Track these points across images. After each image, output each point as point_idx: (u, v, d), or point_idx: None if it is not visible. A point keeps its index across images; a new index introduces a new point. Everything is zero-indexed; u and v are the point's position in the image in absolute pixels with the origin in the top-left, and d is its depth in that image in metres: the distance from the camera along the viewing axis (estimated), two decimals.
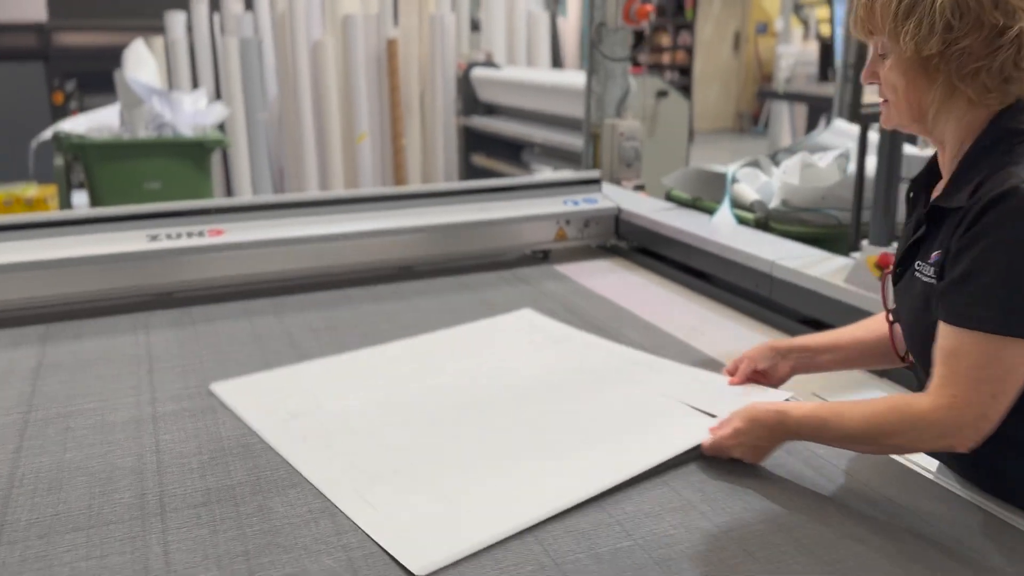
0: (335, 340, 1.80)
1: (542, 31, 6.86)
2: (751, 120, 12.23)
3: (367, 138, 6.26)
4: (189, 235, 2.05)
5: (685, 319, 1.93)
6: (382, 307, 2.01)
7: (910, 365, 1.23)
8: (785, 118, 10.05)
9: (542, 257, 2.41)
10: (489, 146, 5.96)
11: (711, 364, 1.65)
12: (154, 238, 2.03)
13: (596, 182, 2.48)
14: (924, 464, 1.26)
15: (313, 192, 5.57)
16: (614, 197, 2.50)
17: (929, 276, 1.09)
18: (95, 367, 1.67)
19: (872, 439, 1.09)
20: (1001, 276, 0.98)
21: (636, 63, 10.35)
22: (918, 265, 1.12)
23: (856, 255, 1.88)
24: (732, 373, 1.46)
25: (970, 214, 1.01)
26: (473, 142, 6.10)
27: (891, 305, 1.22)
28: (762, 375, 1.41)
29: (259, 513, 1.16)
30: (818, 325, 1.77)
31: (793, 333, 1.81)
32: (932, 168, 1.19)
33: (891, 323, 1.24)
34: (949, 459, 1.22)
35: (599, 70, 3.12)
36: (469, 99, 6.07)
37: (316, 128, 6.13)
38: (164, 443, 1.36)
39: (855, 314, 1.64)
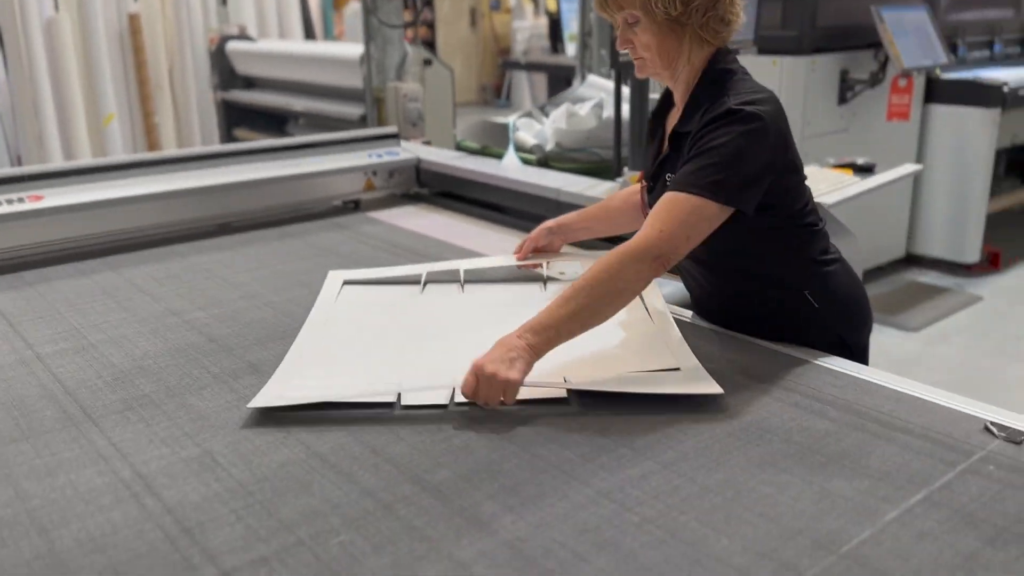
0: (184, 286, 1.93)
1: (292, 2, 6.89)
2: (494, 92, 12.89)
3: (115, 118, 5.98)
4: (9, 202, 2.06)
5: (490, 241, 2.27)
6: (213, 256, 2.16)
7: None
8: (525, 88, 10.80)
9: (354, 207, 2.65)
10: (251, 119, 5.95)
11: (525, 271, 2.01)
12: None
13: (395, 136, 2.76)
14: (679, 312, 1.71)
15: (126, 156, 5.26)
16: (412, 150, 2.79)
17: None
18: None
19: (599, 292, 1.32)
20: (713, 163, 1.37)
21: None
22: (668, 177, 1.50)
23: (621, 179, 2.34)
24: (518, 252, 1.87)
25: (698, 133, 1.42)
26: (234, 116, 6.05)
27: (647, 208, 1.62)
28: (542, 250, 1.87)
29: (183, 409, 1.34)
30: None
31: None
32: (664, 102, 1.60)
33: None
34: (703, 310, 1.67)
35: (376, 36, 3.37)
36: (226, 73, 6.01)
37: (57, 113, 5.77)
38: (61, 374, 1.47)
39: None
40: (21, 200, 2.08)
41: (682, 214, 1.35)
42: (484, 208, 2.54)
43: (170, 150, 5.59)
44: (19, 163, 5.91)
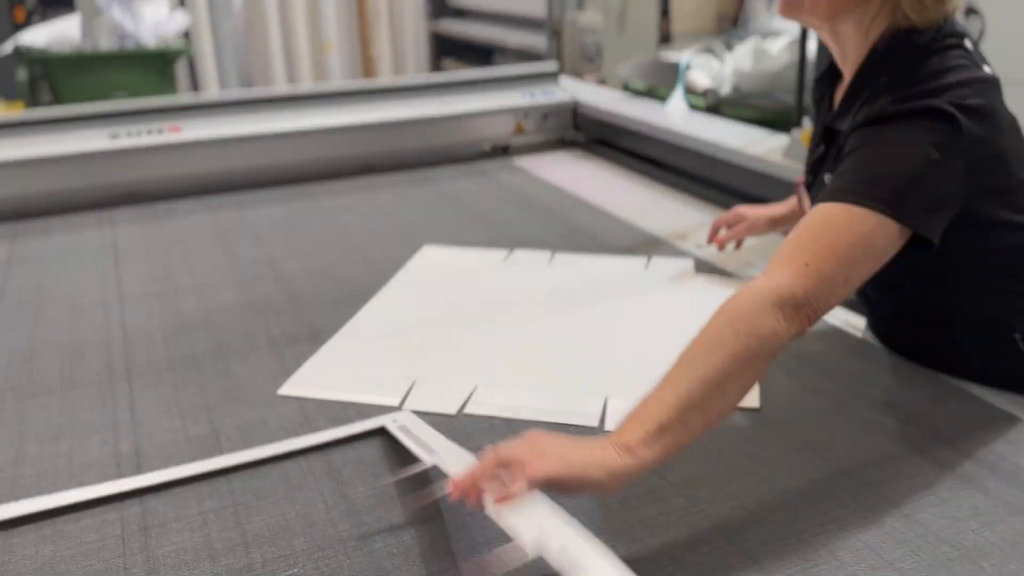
0: (295, 231, 1.86)
1: None
2: (731, 22, 12.04)
3: (334, 47, 6.17)
4: (149, 132, 2.09)
5: (632, 202, 1.99)
6: (342, 200, 2.07)
7: None
8: (763, 18, 9.93)
9: (502, 152, 2.46)
10: (460, 51, 5.90)
11: (651, 240, 1.73)
12: (115, 136, 2.06)
13: (554, 75, 2.51)
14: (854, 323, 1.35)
15: (266, 89, 5.51)
16: (572, 90, 2.53)
17: None
18: (63, 259, 1.74)
19: (721, 360, 0.83)
20: (884, 167, 0.96)
21: None
22: (826, 177, 1.12)
23: (798, 129, 1.95)
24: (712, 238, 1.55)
25: (869, 120, 1.01)
26: (444, 47, 6.04)
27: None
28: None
29: (221, 375, 1.24)
30: (757, 200, 1.85)
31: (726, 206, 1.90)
32: (833, 68, 1.19)
33: None
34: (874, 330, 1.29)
35: None
36: (438, 3, 5.98)
37: (283, 38, 6.04)
38: (130, 320, 1.44)
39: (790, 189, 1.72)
40: (160, 131, 2.09)
41: (838, 239, 0.93)
42: (640, 160, 2.25)
43: (313, 84, 5.70)
44: (248, 86, 6.31)
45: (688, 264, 1.57)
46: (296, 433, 1.08)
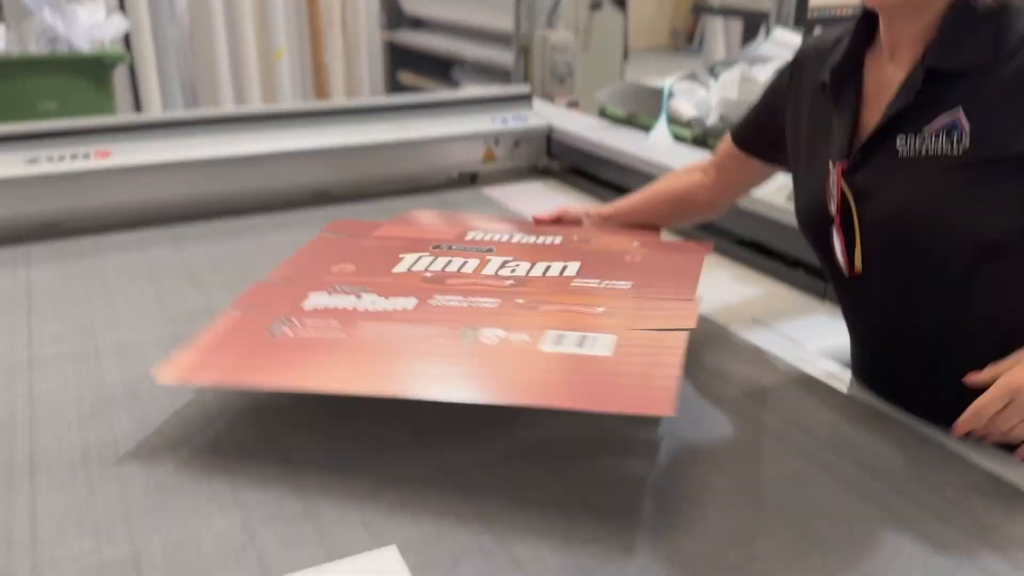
0: (238, 274, 1.64)
1: None
2: (686, 38, 12.05)
3: (285, 55, 5.91)
4: (73, 157, 1.84)
5: None
6: (291, 235, 1.85)
7: (854, 276, 1.09)
8: (720, 34, 9.87)
9: (470, 180, 2.27)
10: (417, 63, 5.69)
11: None
12: (32, 161, 1.81)
13: (527, 97, 2.33)
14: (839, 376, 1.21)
15: (209, 108, 5.24)
16: (545, 114, 2.35)
17: (946, 146, 0.97)
18: None
19: None
20: None
21: None
22: (903, 140, 1.00)
23: None
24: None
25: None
26: (400, 58, 5.82)
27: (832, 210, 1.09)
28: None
29: (144, 470, 1.02)
30: (758, 248, 1.69)
31: (733, 255, 1.73)
32: (852, 51, 1.10)
33: (841, 228, 1.08)
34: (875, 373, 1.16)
35: None
36: (394, 12, 5.76)
37: (230, 44, 5.76)
38: (39, 393, 1.20)
39: (797, 236, 1.55)
40: (87, 156, 1.85)
41: None
42: (619, 192, 2.07)
43: (259, 105, 5.47)
44: (192, 95, 6.00)
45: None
46: (238, 560, 0.87)
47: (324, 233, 1.46)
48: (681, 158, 1.96)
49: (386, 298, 1.18)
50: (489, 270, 1.27)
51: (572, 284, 1.22)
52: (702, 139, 2.04)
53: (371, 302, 1.18)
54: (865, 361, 1.19)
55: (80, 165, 1.83)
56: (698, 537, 0.89)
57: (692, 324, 1.05)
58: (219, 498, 0.97)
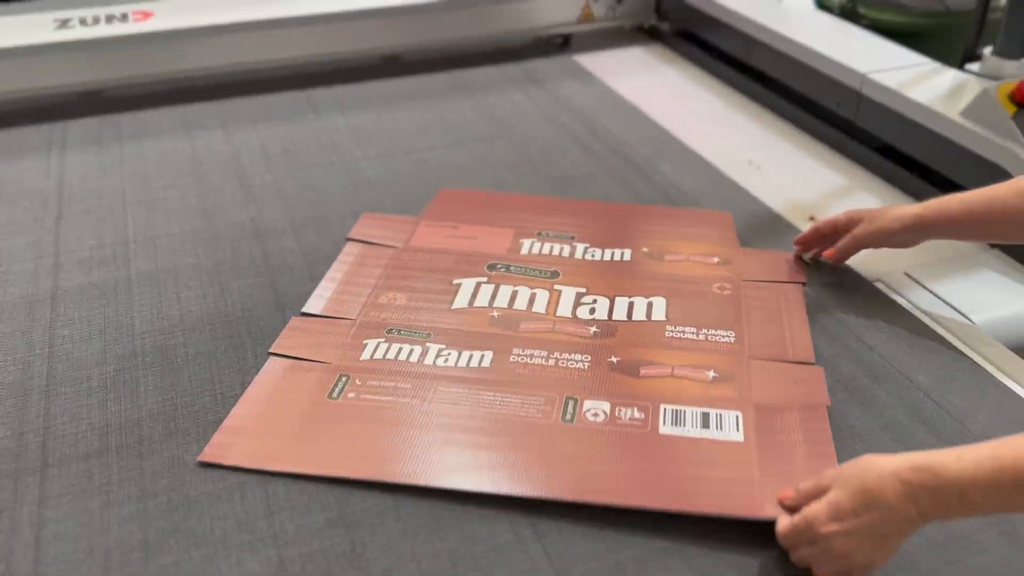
0: (292, 169, 1.42)
1: None
2: None
3: None
4: (109, 20, 1.60)
5: (741, 145, 1.52)
6: (355, 120, 1.61)
7: None
8: None
9: (561, 43, 1.94)
10: None
11: (768, 220, 1.29)
12: (63, 24, 1.58)
13: None
14: None
15: None
16: None
17: None
18: None
19: None
20: None
21: None
22: None
23: (974, 66, 1.43)
24: (805, 243, 1.15)
25: None
26: None
27: None
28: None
29: (170, 470, 0.87)
30: (919, 167, 1.37)
31: (882, 175, 1.42)
32: None
33: None
34: None
35: None
36: None
37: None
38: (59, 341, 1.05)
39: (971, 162, 1.24)
40: (124, 18, 1.61)
41: None
42: (743, 74, 1.74)
43: None
44: None
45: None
46: None
47: (351, 242, 1.21)
48: (824, 35, 1.60)
49: (458, 352, 0.98)
50: (564, 309, 1.06)
51: (667, 334, 1.01)
52: (851, 10, 1.66)
53: (440, 355, 0.98)
54: None
55: (117, 29, 1.59)
56: None
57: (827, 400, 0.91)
58: (252, 524, 0.81)
